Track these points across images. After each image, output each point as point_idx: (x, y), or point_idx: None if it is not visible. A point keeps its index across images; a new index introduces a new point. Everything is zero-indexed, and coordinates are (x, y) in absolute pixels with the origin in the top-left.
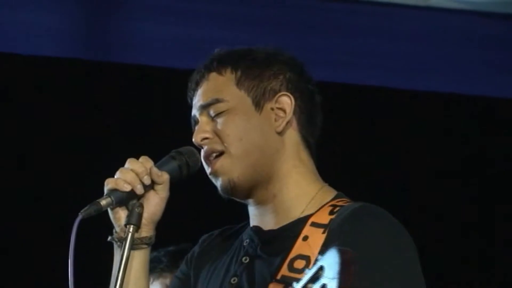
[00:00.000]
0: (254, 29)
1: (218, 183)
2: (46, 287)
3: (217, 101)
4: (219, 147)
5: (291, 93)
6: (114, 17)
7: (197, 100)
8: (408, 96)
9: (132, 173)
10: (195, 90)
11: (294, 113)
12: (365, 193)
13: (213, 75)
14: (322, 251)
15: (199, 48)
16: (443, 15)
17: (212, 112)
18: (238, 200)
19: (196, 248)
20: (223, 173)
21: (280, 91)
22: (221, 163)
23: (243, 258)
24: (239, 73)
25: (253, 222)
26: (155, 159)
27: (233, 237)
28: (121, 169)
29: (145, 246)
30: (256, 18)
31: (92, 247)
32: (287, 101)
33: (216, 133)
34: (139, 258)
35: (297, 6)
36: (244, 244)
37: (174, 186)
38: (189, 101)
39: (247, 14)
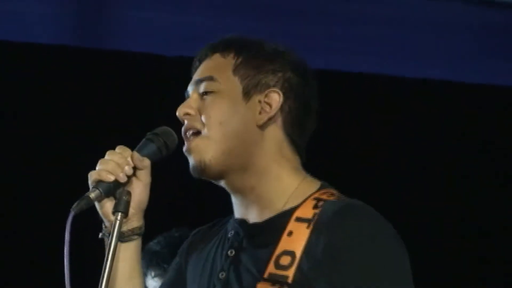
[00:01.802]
0: (247, 17)
1: (191, 161)
2: (44, 285)
3: (209, 78)
4: (198, 126)
5: (284, 93)
6: (105, 4)
7: (195, 75)
8: (408, 84)
9: (112, 162)
10: (197, 67)
11: (282, 111)
12: (362, 180)
13: (217, 55)
14: (306, 248)
15: (191, 35)
16: (441, 3)
17: (202, 89)
18: (211, 181)
19: (186, 243)
20: (196, 152)
21: (273, 86)
22: (196, 142)
23: (229, 251)
24: (240, 59)
25: (236, 213)
26: (133, 148)
27: (219, 228)
28: (101, 160)
29: (136, 237)
30: (250, 5)
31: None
32: (275, 98)
33: (200, 112)
34: (132, 249)
35: None
36: (229, 235)
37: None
38: (191, 78)
39: (240, 1)
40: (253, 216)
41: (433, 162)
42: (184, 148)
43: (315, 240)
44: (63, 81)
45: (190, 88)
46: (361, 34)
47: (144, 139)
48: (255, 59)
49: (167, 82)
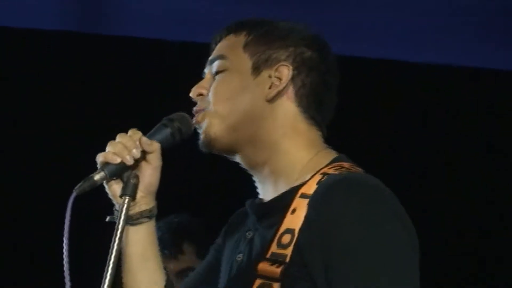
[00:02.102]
0: (256, 2)
1: (200, 136)
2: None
3: (221, 57)
4: (207, 104)
5: (296, 67)
6: None
7: (210, 56)
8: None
9: (120, 144)
10: (213, 50)
11: (294, 85)
12: (374, 164)
13: (230, 36)
14: (303, 226)
15: (194, 20)
16: None
17: (214, 69)
18: (225, 156)
19: (227, 224)
20: (202, 126)
21: (283, 61)
22: (202, 116)
23: (247, 233)
24: (251, 36)
25: (258, 191)
26: (148, 132)
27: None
28: (110, 142)
29: (146, 219)
30: None
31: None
32: (285, 71)
33: (210, 91)
34: (142, 232)
35: None
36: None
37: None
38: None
39: None
40: (266, 195)
41: (435, 149)
42: (192, 122)
43: (310, 218)
44: (64, 67)
45: (206, 70)
46: (359, 18)
47: (158, 124)
48: (266, 36)
49: (170, 67)
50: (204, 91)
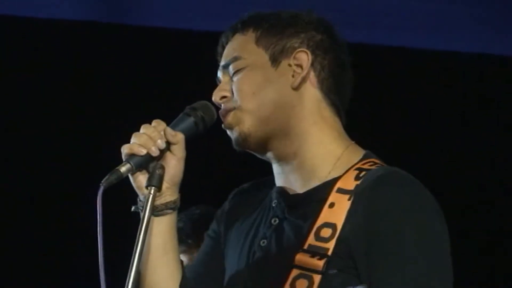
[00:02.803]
0: None
1: (232, 136)
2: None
3: (235, 58)
4: (234, 104)
5: (312, 51)
6: None
7: (221, 61)
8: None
9: (145, 136)
10: (222, 53)
11: (314, 70)
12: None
13: (237, 36)
14: (346, 220)
15: (216, 10)
16: None
17: (231, 71)
18: (257, 155)
19: (226, 204)
20: (234, 125)
21: (299, 48)
22: (232, 116)
23: (272, 220)
24: (260, 31)
25: (278, 181)
26: (171, 120)
27: (262, 192)
28: (134, 134)
29: (170, 211)
30: None
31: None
32: (304, 57)
33: (233, 91)
34: (165, 223)
35: None
36: (273, 205)
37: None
38: (218, 65)
39: None
40: (295, 185)
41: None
42: (223, 125)
43: (355, 211)
44: (87, 57)
45: (219, 74)
46: (362, 4)
47: (181, 114)
48: (275, 27)
49: (193, 57)
50: (227, 93)
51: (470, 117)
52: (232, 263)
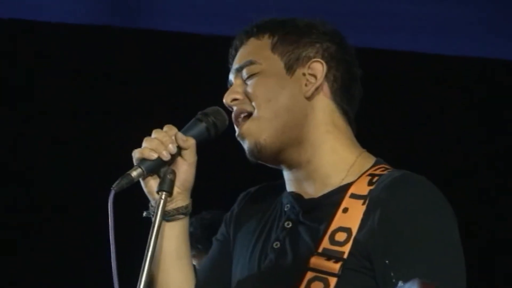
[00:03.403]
0: None
1: (245, 145)
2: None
3: (250, 63)
4: (248, 108)
5: (326, 62)
6: None
7: (234, 64)
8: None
9: (156, 140)
10: (234, 56)
11: (327, 80)
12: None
13: (252, 40)
14: (362, 223)
15: (226, 14)
16: None
17: (245, 74)
18: (268, 165)
19: (235, 207)
20: (249, 135)
21: (314, 58)
22: (248, 125)
23: (286, 223)
24: (276, 38)
25: (290, 187)
26: (181, 125)
27: (272, 197)
28: (146, 138)
29: (182, 216)
30: None
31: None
32: (319, 68)
33: (246, 95)
34: (177, 228)
35: None
36: (285, 209)
37: (206, 150)
38: (230, 67)
39: None
40: (309, 190)
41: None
42: (237, 134)
43: (371, 215)
44: (98, 61)
45: (231, 76)
46: (366, 8)
47: (193, 119)
48: (290, 35)
49: (204, 62)
50: (238, 96)
51: (474, 121)
52: (242, 264)
